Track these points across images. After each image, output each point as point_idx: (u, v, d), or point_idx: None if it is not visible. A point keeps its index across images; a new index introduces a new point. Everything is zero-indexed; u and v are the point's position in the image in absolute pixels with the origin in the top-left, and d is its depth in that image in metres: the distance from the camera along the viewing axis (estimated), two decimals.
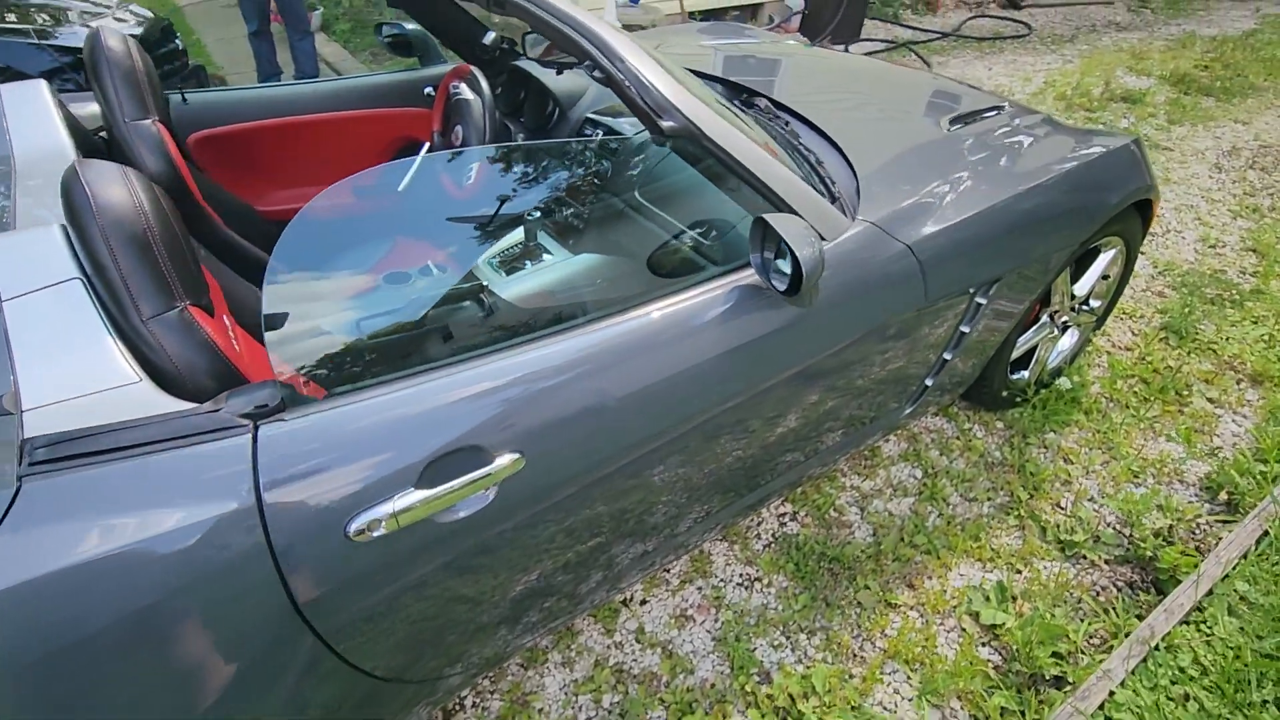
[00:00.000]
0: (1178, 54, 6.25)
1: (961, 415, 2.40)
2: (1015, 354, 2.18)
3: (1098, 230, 2.00)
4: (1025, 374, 2.32)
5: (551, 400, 1.12)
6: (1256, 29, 7.26)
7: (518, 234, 1.59)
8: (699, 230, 1.64)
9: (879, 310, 1.53)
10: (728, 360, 1.30)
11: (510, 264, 1.57)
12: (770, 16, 6.52)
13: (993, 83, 5.50)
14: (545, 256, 1.60)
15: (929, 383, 1.86)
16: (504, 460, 1.06)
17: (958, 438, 2.32)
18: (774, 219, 1.21)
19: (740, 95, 2.12)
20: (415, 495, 0.99)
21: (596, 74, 1.30)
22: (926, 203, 1.64)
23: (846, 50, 6.11)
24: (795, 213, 1.36)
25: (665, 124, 1.25)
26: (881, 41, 6.40)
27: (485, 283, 1.47)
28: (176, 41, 4.36)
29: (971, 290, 1.71)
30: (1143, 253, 3.34)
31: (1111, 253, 2.21)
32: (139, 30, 4.03)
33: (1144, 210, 2.18)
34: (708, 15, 6.12)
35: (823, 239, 1.40)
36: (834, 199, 1.56)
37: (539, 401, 1.11)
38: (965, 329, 1.79)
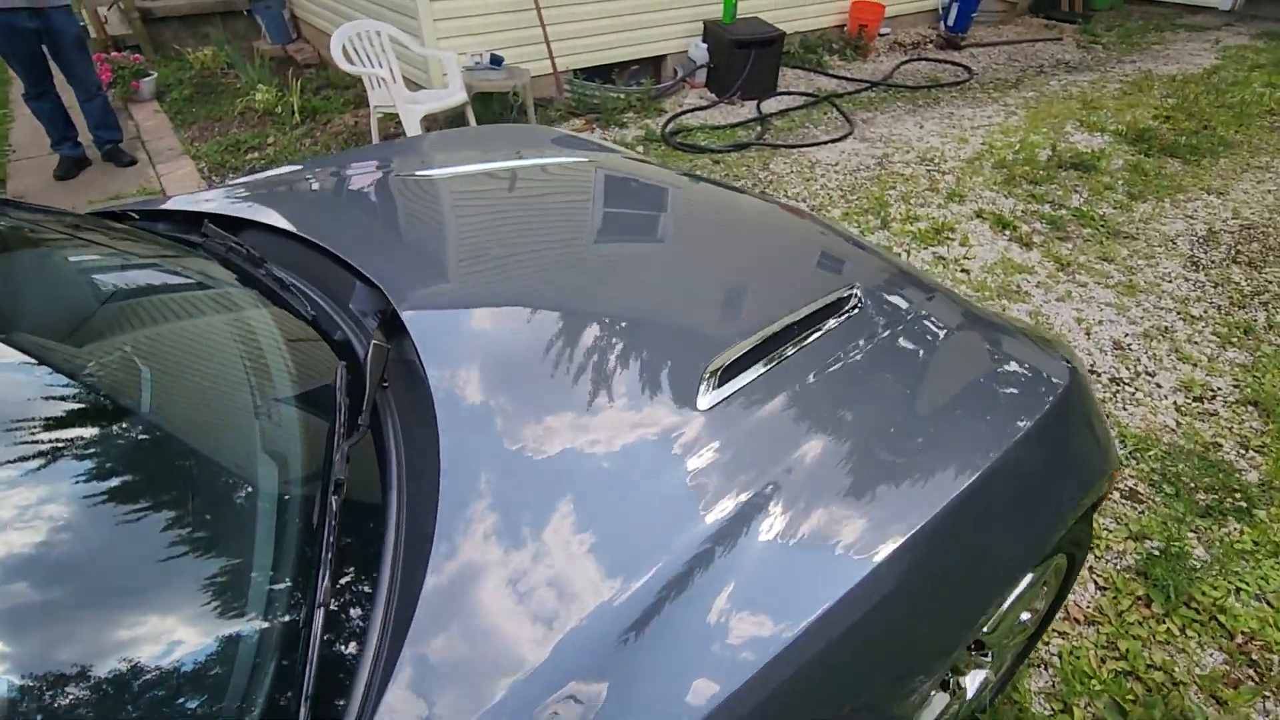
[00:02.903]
0: (1134, 100, 5.49)
1: None
2: None
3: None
4: None
5: None
6: (1218, 64, 6.55)
7: None
8: None
9: None
10: None
11: None
12: (675, 70, 5.68)
13: (923, 145, 4.67)
14: None
15: None
16: None
17: None
18: None
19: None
20: None
21: None
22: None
23: (758, 106, 5.28)
24: None
25: None
26: (801, 95, 5.58)
27: None
28: None
29: None
30: (1107, 419, 2.44)
31: (1035, 575, 1.30)
32: None
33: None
34: (589, 74, 5.26)
35: None
36: None
37: None
38: None
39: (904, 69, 6.32)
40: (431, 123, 4.86)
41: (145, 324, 1.06)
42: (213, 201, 1.56)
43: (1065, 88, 5.89)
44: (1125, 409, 2.46)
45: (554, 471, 0.91)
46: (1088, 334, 2.82)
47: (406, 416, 0.97)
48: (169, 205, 1.60)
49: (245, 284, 1.24)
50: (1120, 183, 4.08)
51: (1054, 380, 1.24)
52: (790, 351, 1.16)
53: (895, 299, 1.42)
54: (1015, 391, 1.21)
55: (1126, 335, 2.82)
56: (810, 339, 1.19)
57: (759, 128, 4.99)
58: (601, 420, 0.97)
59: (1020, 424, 1.13)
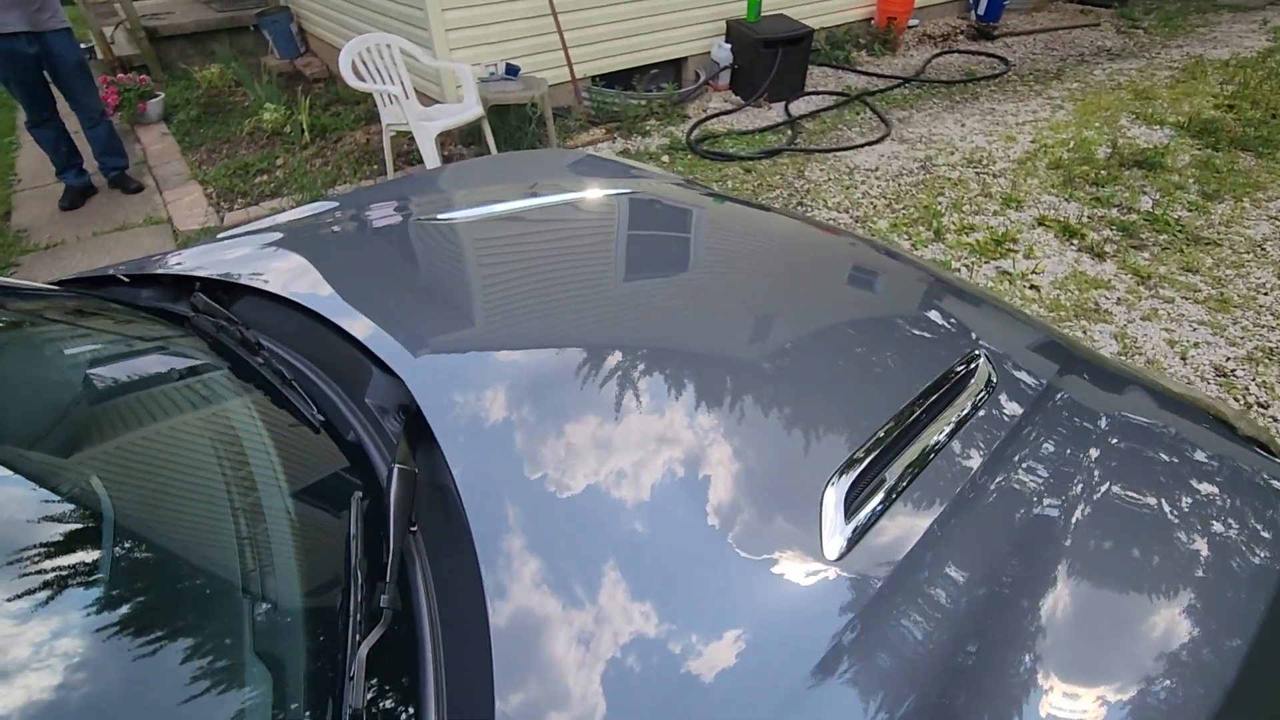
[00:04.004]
0: (1190, 89, 5.15)
1: None
2: None
3: None
4: None
5: None
6: (1271, 47, 6.18)
7: None
8: None
9: None
10: None
11: None
12: (696, 74, 5.42)
13: (968, 145, 4.37)
14: None
15: None
16: None
17: None
18: None
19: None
20: None
21: None
22: None
23: (787, 108, 5.00)
24: None
25: None
26: (830, 94, 5.29)
27: None
28: None
29: None
30: None
31: None
32: None
33: None
34: (609, 80, 5.01)
35: None
36: None
37: None
38: None
39: (936, 63, 6.01)
40: (446, 138, 4.63)
41: (108, 442, 0.82)
42: (209, 257, 1.32)
43: (1111, 77, 5.55)
44: None
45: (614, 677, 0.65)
46: (1184, 359, 2.53)
47: (446, 576, 0.72)
48: (159, 267, 1.36)
49: (237, 376, 1.00)
50: (1191, 181, 3.76)
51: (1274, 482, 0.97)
52: (933, 453, 0.90)
53: (1026, 361, 1.15)
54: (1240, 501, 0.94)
55: (1228, 359, 2.52)
56: (952, 429, 0.93)
57: (789, 131, 4.72)
58: (675, 601, 0.71)
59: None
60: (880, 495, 0.83)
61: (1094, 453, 0.98)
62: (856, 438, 0.90)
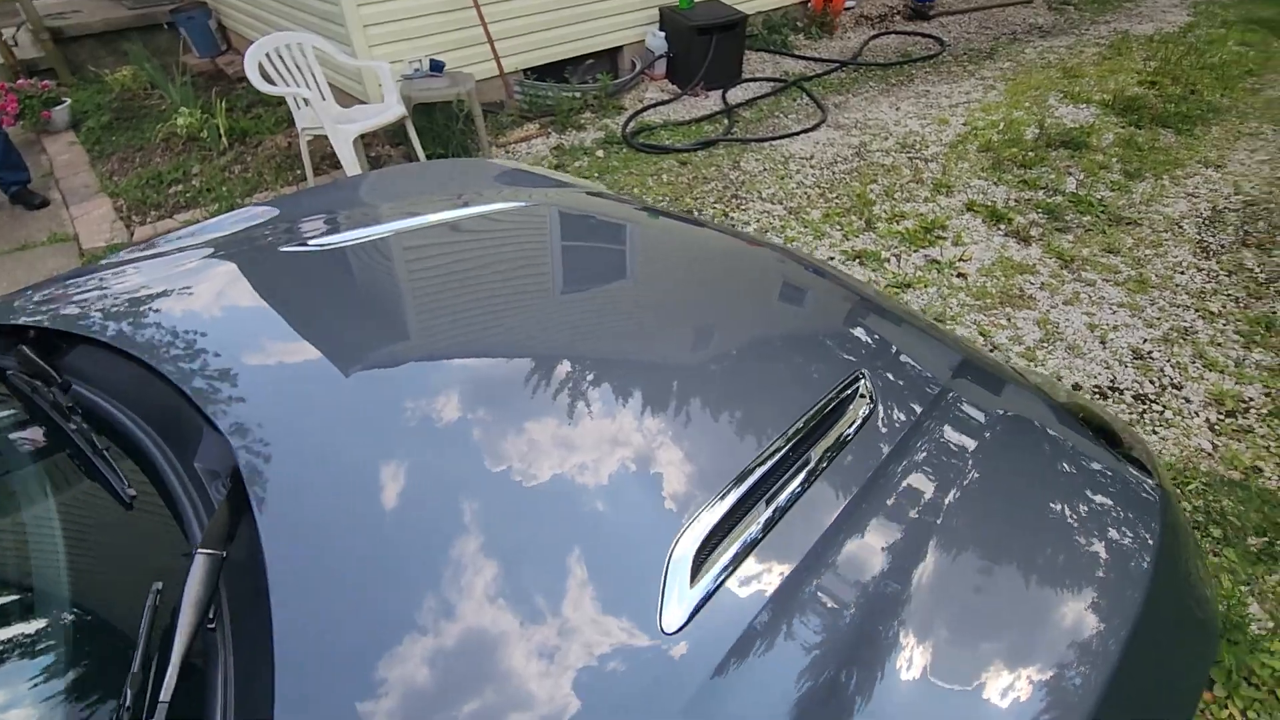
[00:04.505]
0: (1116, 65, 5.24)
1: None
2: None
3: None
4: None
5: None
6: (1191, 21, 6.33)
7: None
8: None
9: None
10: None
11: None
12: (632, 62, 5.33)
13: (902, 129, 4.38)
14: None
15: None
16: None
17: None
18: None
19: None
20: None
21: None
22: None
23: (724, 96, 4.95)
24: None
25: None
26: (767, 81, 5.26)
27: None
28: None
29: None
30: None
31: None
32: None
33: None
34: (541, 73, 4.89)
35: None
36: None
37: None
38: None
39: (873, 45, 6.01)
40: (374, 139, 4.48)
41: None
42: (73, 292, 1.21)
43: (1042, 55, 5.63)
44: (1157, 432, 2.21)
45: None
46: (1103, 343, 2.57)
47: (248, 683, 0.66)
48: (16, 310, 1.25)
49: (46, 443, 0.93)
50: (1115, 160, 3.83)
51: (1144, 497, 0.97)
52: (801, 492, 0.86)
53: (911, 378, 1.13)
54: (1111, 524, 0.93)
55: (1145, 341, 2.57)
56: (821, 465, 0.90)
57: (726, 121, 4.67)
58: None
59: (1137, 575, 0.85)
60: (735, 548, 0.79)
61: (972, 477, 0.96)
62: (716, 481, 0.86)
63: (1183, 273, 2.93)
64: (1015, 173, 3.76)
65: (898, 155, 4.07)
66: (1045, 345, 2.58)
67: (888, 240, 3.24)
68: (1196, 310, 2.71)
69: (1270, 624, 1.68)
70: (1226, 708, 1.54)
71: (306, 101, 3.60)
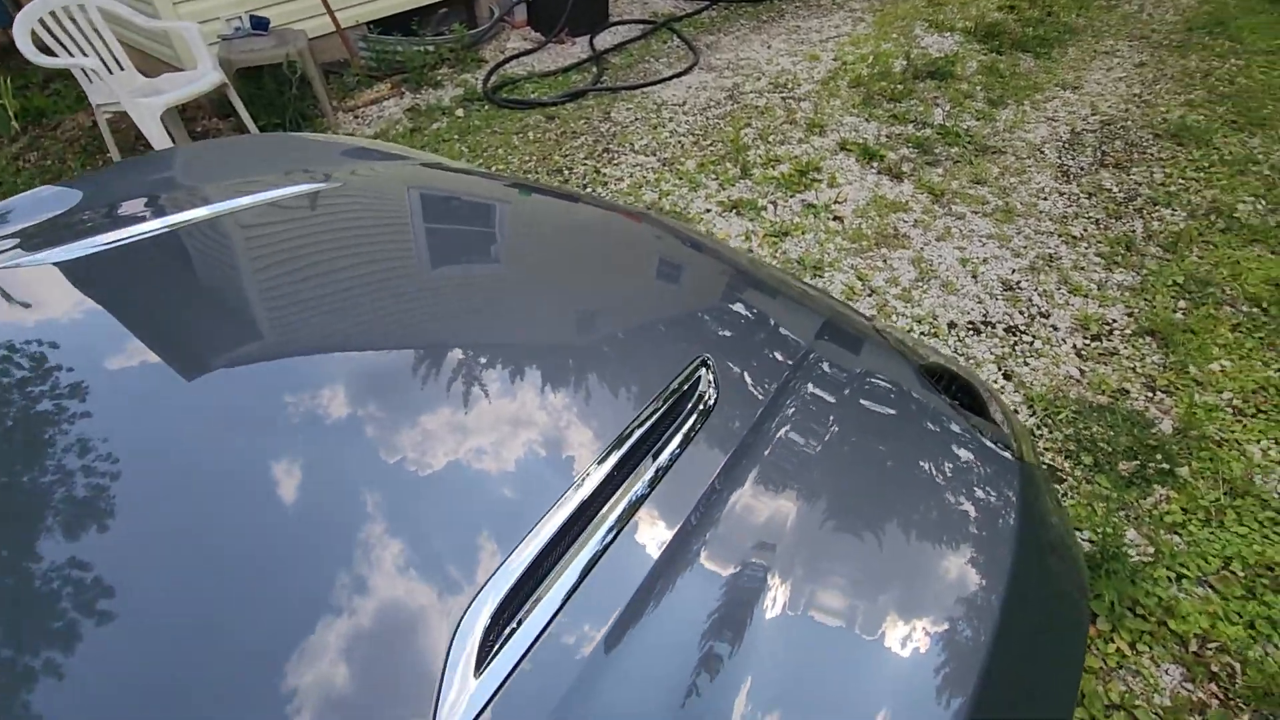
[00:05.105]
0: None
1: None
2: None
3: None
4: None
5: None
6: None
7: None
8: None
9: None
10: None
11: None
12: (491, 9, 4.93)
13: (774, 68, 4.25)
14: None
15: None
16: None
17: None
18: None
19: None
20: None
21: None
22: None
23: (591, 43, 4.65)
24: None
25: None
26: (637, 23, 4.99)
27: None
28: None
29: None
30: (1008, 377, 2.19)
31: None
32: None
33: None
34: (385, 26, 4.44)
35: None
36: None
37: None
38: None
39: None
40: (199, 112, 3.96)
41: None
42: None
43: None
44: (1028, 364, 2.21)
45: None
46: (975, 277, 2.56)
47: None
48: None
49: None
50: (979, 88, 3.84)
51: (998, 464, 0.88)
52: (615, 533, 0.71)
53: (765, 358, 1.00)
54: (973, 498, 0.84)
55: (1014, 272, 2.57)
56: (641, 496, 0.75)
57: (595, 69, 4.40)
58: None
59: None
60: (536, 616, 0.63)
61: (830, 455, 0.85)
62: (516, 530, 0.69)
63: (1046, 199, 2.96)
64: (885, 107, 3.70)
65: (771, 96, 3.94)
66: (921, 284, 2.54)
67: (764, 187, 3.13)
68: (1060, 236, 2.74)
69: (1151, 550, 1.70)
70: (1113, 641, 1.55)
71: (93, 74, 3.09)
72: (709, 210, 3.01)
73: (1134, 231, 2.74)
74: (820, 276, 2.61)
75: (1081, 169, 3.15)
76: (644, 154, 3.49)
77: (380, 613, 0.62)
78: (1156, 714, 1.43)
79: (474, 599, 0.64)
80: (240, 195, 1.24)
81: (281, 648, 0.59)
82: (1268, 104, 3.41)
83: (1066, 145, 3.32)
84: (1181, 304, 2.38)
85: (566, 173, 3.38)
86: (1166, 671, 1.50)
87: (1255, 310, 2.32)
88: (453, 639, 0.61)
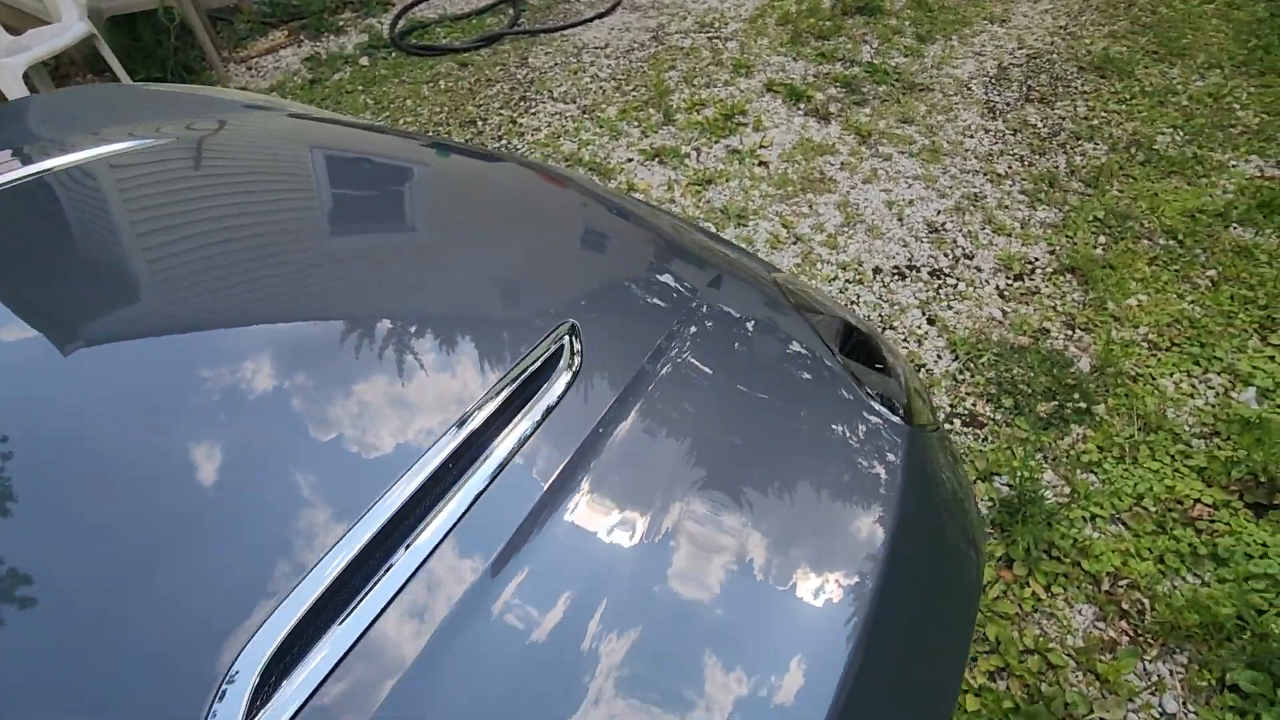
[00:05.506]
0: None
1: None
2: None
3: None
4: None
5: None
6: None
7: None
8: None
9: None
10: None
11: None
12: None
13: (700, 6, 4.06)
14: None
15: None
16: None
17: None
18: None
19: None
20: None
21: None
22: None
23: None
24: None
25: None
26: None
27: None
28: None
29: None
30: (932, 321, 2.15)
31: None
32: None
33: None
34: None
35: None
36: None
37: None
38: None
39: None
40: (70, 70, 3.59)
41: None
42: None
43: None
44: (951, 308, 2.18)
45: None
46: (901, 220, 2.50)
47: None
48: None
49: None
50: (907, 24, 3.73)
51: (887, 427, 0.81)
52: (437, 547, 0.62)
53: (645, 313, 0.91)
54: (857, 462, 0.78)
55: (939, 213, 2.52)
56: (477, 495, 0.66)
57: (512, 11, 4.14)
58: None
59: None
60: (330, 648, 0.54)
61: (713, 420, 0.77)
62: (325, 538, 0.59)
63: (971, 136, 2.90)
64: (813, 45, 3.57)
65: (697, 36, 3.77)
66: (846, 230, 2.48)
67: (688, 133, 2.99)
68: (985, 174, 2.70)
69: (1067, 490, 1.70)
70: (1028, 585, 1.55)
71: None
72: (630, 160, 2.87)
73: (1057, 167, 2.71)
74: (745, 226, 2.52)
75: (1007, 105, 3.10)
76: (563, 101, 3.30)
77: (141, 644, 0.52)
78: (1069, 654, 1.44)
79: (270, 618, 0.54)
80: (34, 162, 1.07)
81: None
82: (1187, 33, 3.40)
83: (993, 81, 3.26)
84: (1101, 239, 2.37)
85: (480, 124, 3.18)
86: (1080, 612, 1.50)
87: (1172, 243, 2.32)
88: (227, 674, 0.51)
